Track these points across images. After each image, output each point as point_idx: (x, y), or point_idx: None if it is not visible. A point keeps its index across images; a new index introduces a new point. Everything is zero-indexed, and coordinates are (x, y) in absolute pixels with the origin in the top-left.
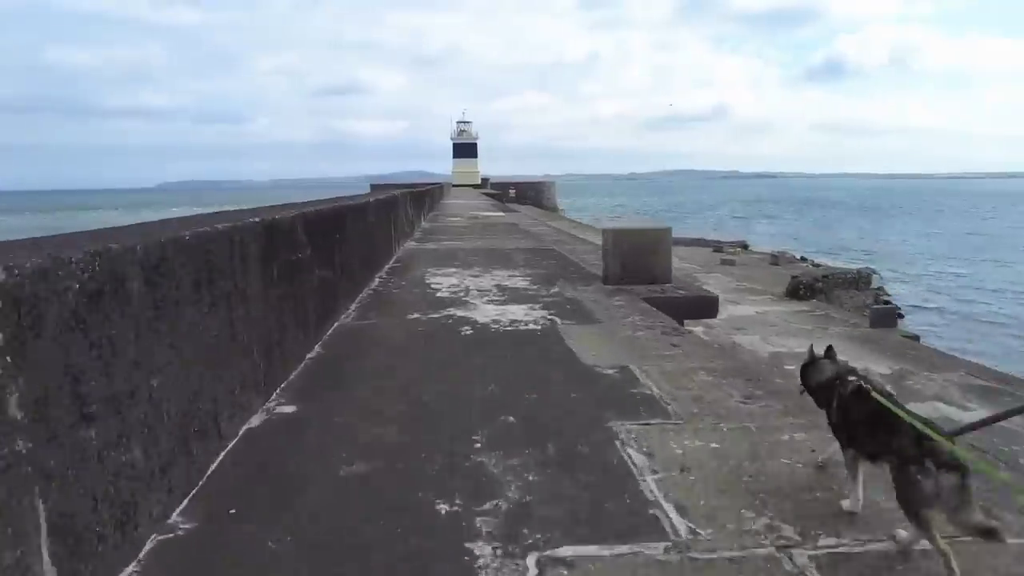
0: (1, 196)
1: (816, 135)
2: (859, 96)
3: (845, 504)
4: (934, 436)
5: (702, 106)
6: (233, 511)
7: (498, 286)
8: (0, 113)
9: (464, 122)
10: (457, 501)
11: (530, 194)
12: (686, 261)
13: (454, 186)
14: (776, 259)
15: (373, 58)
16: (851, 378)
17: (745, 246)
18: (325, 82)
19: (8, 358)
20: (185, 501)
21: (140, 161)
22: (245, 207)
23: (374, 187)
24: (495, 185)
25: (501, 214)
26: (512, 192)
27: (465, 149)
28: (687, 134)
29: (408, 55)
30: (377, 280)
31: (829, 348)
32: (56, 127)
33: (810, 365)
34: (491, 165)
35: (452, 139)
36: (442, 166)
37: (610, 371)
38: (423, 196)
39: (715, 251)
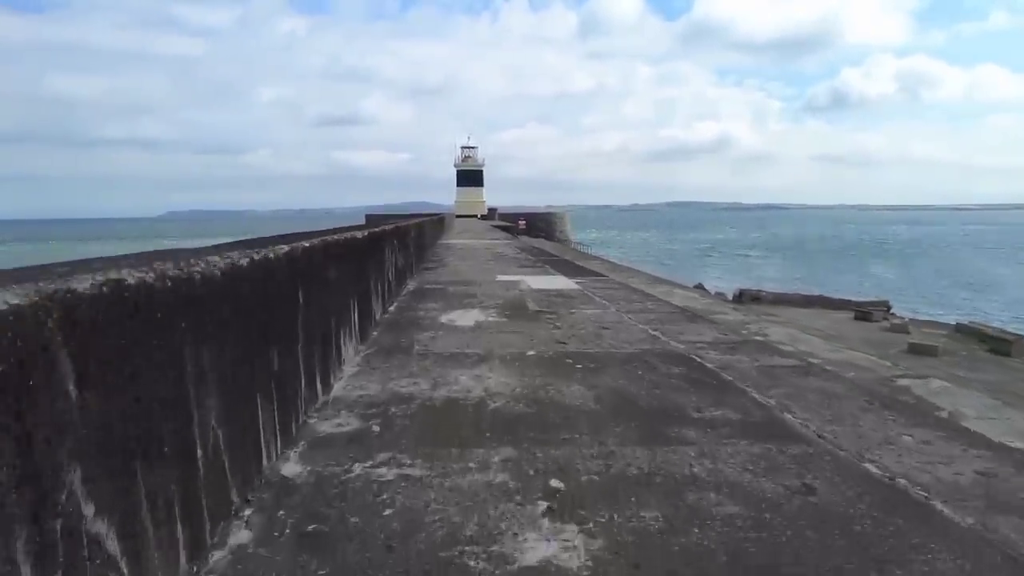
0: (4, 224)
1: (818, 166)
2: (862, 128)
3: None
4: None
5: (704, 137)
6: None
7: None
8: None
9: (469, 147)
10: None
11: (540, 225)
12: (846, 344)
13: (457, 217)
14: (982, 335)
15: (374, 89)
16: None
17: (888, 306)
18: (325, 113)
19: None
20: None
21: (144, 190)
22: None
23: (370, 218)
24: (503, 216)
25: (568, 284)
26: (521, 223)
27: (470, 176)
28: (689, 165)
29: (409, 86)
30: None
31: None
32: (56, 157)
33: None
34: (492, 196)
35: (455, 165)
36: (445, 197)
37: None
38: (407, 236)
39: (859, 318)
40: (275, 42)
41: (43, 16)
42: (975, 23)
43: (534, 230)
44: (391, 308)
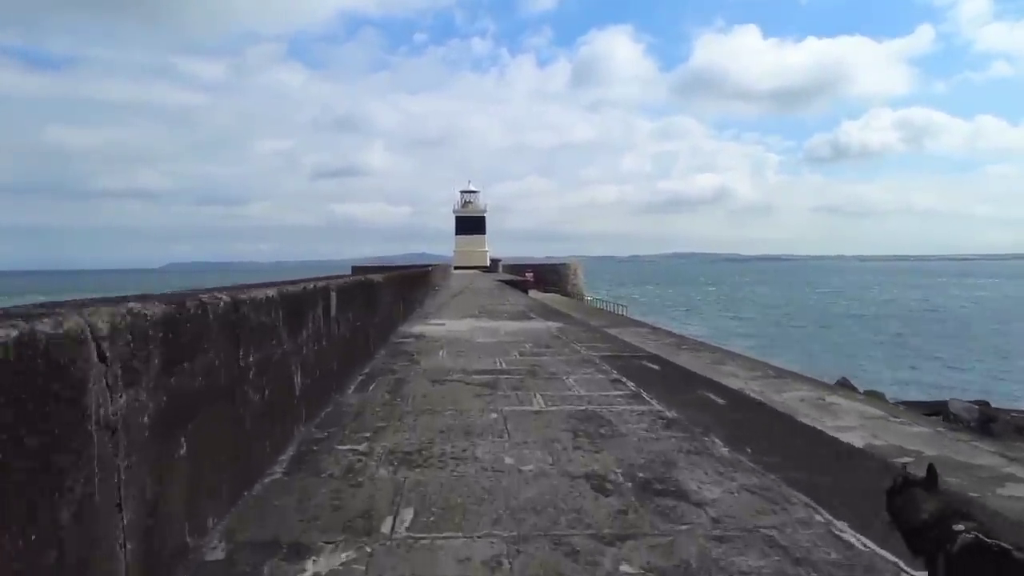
0: (6, 276)
1: (817, 217)
2: (862, 178)
3: None
4: None
5: (703, 189)
6: None
7: None
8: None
9: (469, 191)
10: None
11: (551, 278)
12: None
13: (456, 268)
14: None
15: (374, 140)
16: (959, 527)
17: (988, 407)
18: (326, 164)
19: None
20: None
21: (144, 242)
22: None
23: (356, 269)
24: (508, 268)
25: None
26: (529, 275)
27: (471, 223)
28: (688, 217)
29: (409, 138)
30: None
31: (930, 469)
32: (56, 208)
33: (898, 494)
34: (492, 248)
35: (455, 211)
36: (445, 249)
37: None
38: (374, 301)
39: (957, 429)
40: (274, 93)
41: (59, 72)
42: (977, 73)
43: (545, 284)
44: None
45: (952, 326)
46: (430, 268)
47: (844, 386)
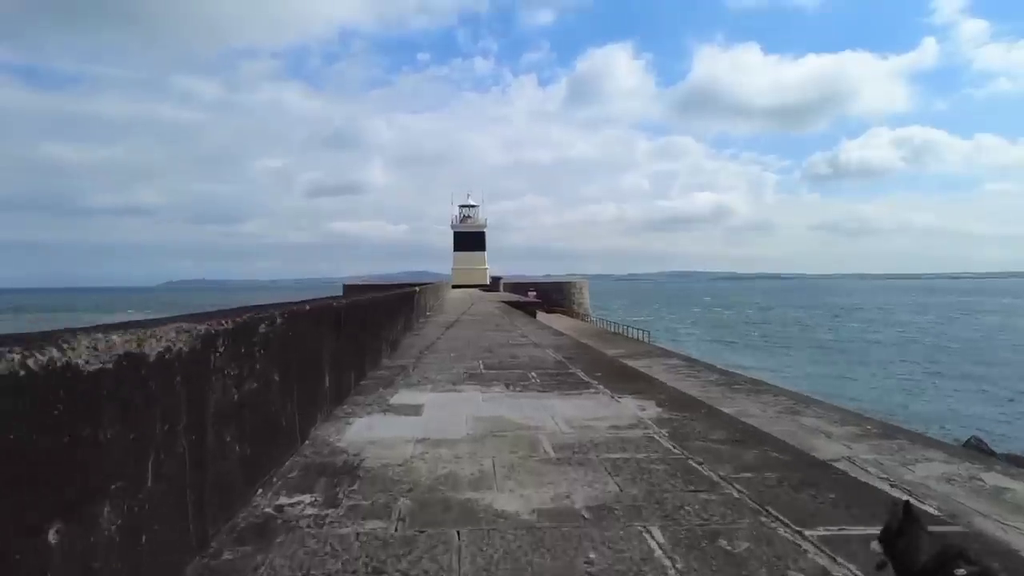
0: (6, 293)
1: (816, 236)
2: (862, 197)
3: None
4: None
5: (701, 207)
6: None
7: None
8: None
9: (468, 206)
10: None
11: (554, 296)
12: None
13: (454, 287)
14: None
15: (372, 157)
16: (960, 571)
17: None
18: (324, 182)
19: None
20: None
21: (142, 259)
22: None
23: (348, 288)
24: (509, 287)
25: None
26: (532, 294)
27: (469, 239)
28: (686, 235)
29: (408, 155)
30: None
31: (907, 506)
32: (53, 225)
33: (897, 535)
34: (491, 265)
35: (453, 227)
36: (445, 267)
37: None
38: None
39: None
40: (272, 110)
41: (63, 92)
42: (978, 89)
43: (550, 303)
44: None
45: (1002, 355)
46: (416, 289)
47: (981, 450)
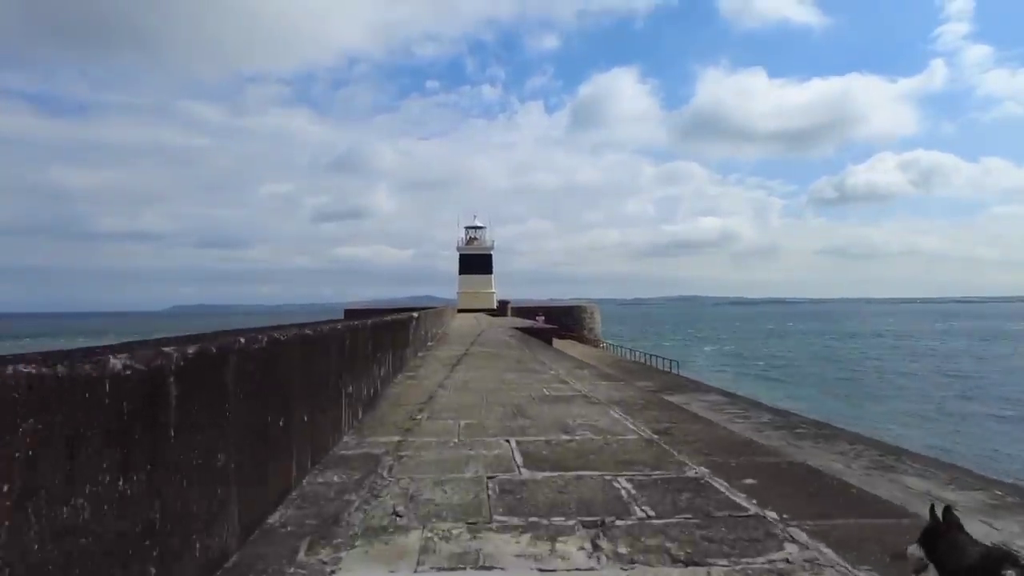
0: (9, 318)
1: (823, 260)
2: (868, 221)
3: None
4: None
5: (707, 232)
6: None
7: None
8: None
9: (475, 227)
10: None
11: (565, 321)
12: None
13: (459, 311)
14: None
15: (378, 183)
16: (1008, 572)
17: None
18: (329, 207)
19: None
20: None
21: (148, 284)
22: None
23: (349, 312)
24: (518, 312)
25: None
26: (540, 319)
27: (476, 262)
28: (692, 260)
29: (414, 180)
30: None
31: (947, 511)
32: (59, 250)
33: (939, 537)
34: (497, 289)
35: (459, 249)
36: (451, 292)
37: None
38: None
39: None
40: (277, 135)
41: (79, 119)
42: (984, 113)
43: (561, 328)
44: None
45: None
46: (415, 315)
47: None
